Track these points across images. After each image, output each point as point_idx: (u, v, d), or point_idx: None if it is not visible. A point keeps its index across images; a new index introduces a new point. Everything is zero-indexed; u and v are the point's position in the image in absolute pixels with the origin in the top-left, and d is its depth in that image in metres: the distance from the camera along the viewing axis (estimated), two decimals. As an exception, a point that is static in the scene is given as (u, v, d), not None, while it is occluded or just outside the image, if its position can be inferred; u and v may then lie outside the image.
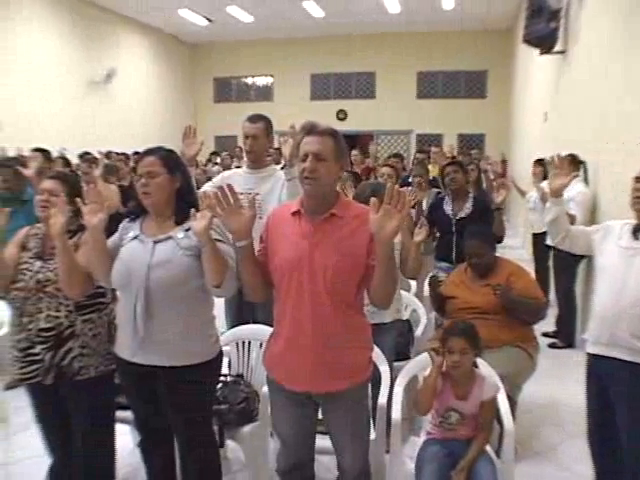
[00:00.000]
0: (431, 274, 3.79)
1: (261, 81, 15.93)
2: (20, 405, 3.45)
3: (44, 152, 5.23)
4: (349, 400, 1.99)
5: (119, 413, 2.52)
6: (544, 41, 6.00)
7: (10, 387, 3.72)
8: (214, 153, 11.57)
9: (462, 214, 3.99)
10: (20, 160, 5.68)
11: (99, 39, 12.20)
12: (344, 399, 1.98)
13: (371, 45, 14.47)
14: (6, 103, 9.76)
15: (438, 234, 4.18)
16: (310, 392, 1.98)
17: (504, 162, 12.35)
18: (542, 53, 6.31)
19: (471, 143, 13.96)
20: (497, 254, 3.33)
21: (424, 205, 4.52)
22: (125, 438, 2.97)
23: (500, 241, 3.99)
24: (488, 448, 2.37)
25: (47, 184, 2.31)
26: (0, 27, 9.72)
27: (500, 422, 2.42)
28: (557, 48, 6.03)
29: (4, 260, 2.26)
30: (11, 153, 7.75)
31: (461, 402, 2.33)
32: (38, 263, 2.26)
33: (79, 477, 2.39)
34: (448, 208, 4.07)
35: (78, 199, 2.15)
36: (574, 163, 4.72)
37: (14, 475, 2.95)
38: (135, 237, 2.15)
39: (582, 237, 2.50)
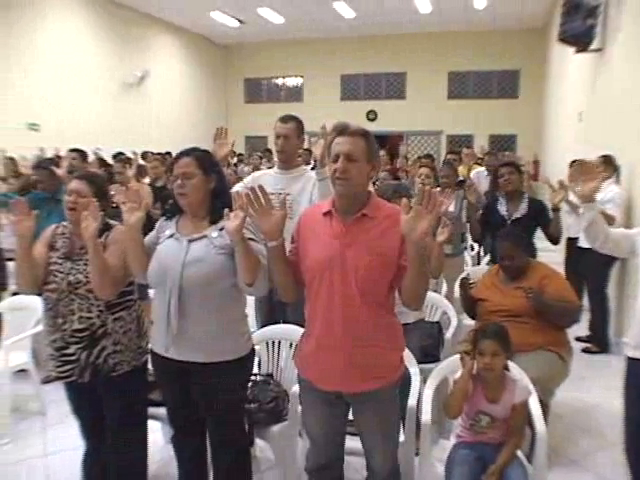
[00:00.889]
0: (462, 276, 3.75)
1: (291, 82, 15.99)
2: (55, 399, 3.57)
3: (80, 152, 5.34)
4: (380, 400, 1.99)
5: (151, 410, 2.57)
6: (580, 39, 5.87)
7: (46, 381, 3.82)
8: (239, 155, 11.71)
9: (517, 215, 3.94)
10: (55, 161, 5.83)
11: (133, 41, 12.43)
12: (375, 399, 1.98)
13: (402, 45, 14.39)
14: (43, 105, 10.03)
15: (490, 237, 4.11)
16: (341, 392, 1.98)
17: (536, 163, 12.16)
18: (578, 51, 6.18)
19: (503, 144, 13.77)
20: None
21: (452, 206, 4.46)
22: (156, 434, 3.02)
23: (557, 242, 3.92)
24: (519, 453, 2.33)
25: (74, 185, 2.33)
26: (38, 30, 9.99)
27: (532, 427, 2.38)
28: (594, 46, 5.89)
29: (35, 259, 2.29)
30: (49, 154, 7.93)
31: (492, 405, 2.30)
32: (68, 264, 2.30)
33: (111, 470, 2.44)
34: (503, 209, 4.02)
35: (103, 200, 2.19)
36: (609, 164, 4.62)
37: (52, 466, 3.03)
38: (171, 236, 2.18)
39: (624, 239, 2.43)
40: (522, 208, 3.97)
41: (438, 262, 2.90)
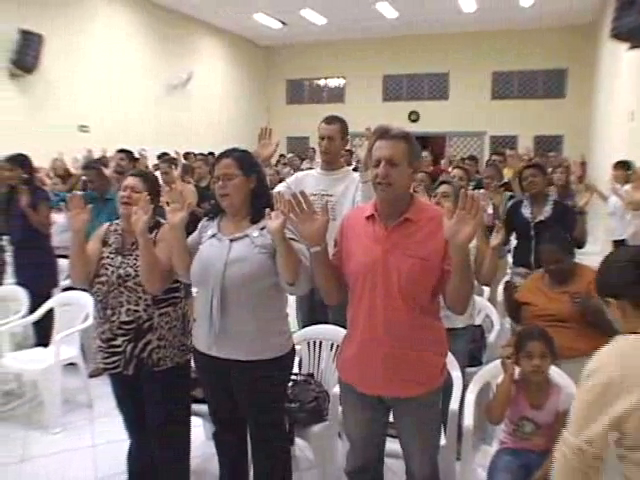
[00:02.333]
0: (506, 279, 3.68)
1: (333, 83, 16.01)
2: (102, 392, 3.67)
3: (128, 153, 5.48)
4: (421, 406, 1.97)
5: (193, 406, 2.61)
6: (635, 35, 5.65)
7: (93, 375, 3.94)
8: (281, 155, 11.81)
9: (541, 217, 3.86)
10: (103, 161, 6.00)
11: (178, 43, 12.70)
12: (416, 405, 1.96)
13: (444, 45, 14.23)
14: (91, 106, 10.34)
15: (515, 239, 4.05)
16: (381, 396, 1.97)
17: (583, 164, 11.83)
18: (632, 48, 5.96)
19: (548, 145, 13.45)
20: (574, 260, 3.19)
21: (490, 209, 4.39)
22: (198, 430, 3.07)
23: (581, 246, 3.82)
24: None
25: (129, 181, 2.42)
26: (87, 33, 10.32)
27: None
28: (650, 42, 5.68)
29: (88, 254, 2.39)
30: (96, 155, 8.18)
31: (535, 411, 2.26)
32: (119, 258, 2.38)
33: (154, 464, 2.50)
34: (526, 211, 3.94)
35: (155, 198, 2.25)
36: None
37: (99, 456, 3.12)
38: (213, 235, 2.21)
39: None
40: (546, 211, 3.87)
41: (491, 266, 2.84)
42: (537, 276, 3.27)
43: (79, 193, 2.45)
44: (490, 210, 4.22)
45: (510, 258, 5.20)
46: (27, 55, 8.86)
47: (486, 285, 3.38)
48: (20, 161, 4.13)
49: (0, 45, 8.61)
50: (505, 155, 7.45)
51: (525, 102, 13.96)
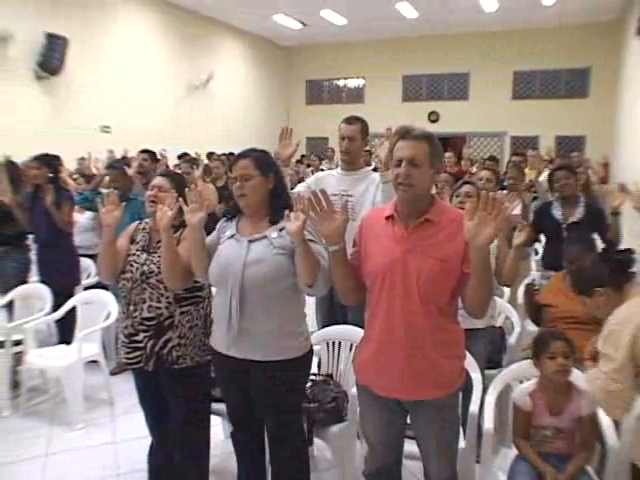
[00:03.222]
0: (527, 281, 3.64)
1: (353, 83, 15.99)
2: (122, 390, 3.73)
3: (150, 153, 5.54)
4: (439, 409, 1.95)
5: (212, 405, 2.63)
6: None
7: (114, 373, 3.99)
8: (301, 156, 11.84)
9: (573, 219, 3.80)
10: (126, 161, 6.06)
11: (199, 44, 12.78)
12: (434, 408, 1.94)
13: (465, 45, 14.11)
14: (113, 107, 10.47)
15: (545, 241, 3.99)
16: (399, 398, 1.96)
17: (606, 165, 11.65)
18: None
19: (570, 145, 13.25)
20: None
21: (518, 210, 4.34)
22: (216, 429, 3.10)
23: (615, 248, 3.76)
24: (589, 468, 2.24)
25: (157, 180, 2.47)
26: (109, 34, 10.44)
27: (602, 441, 2.28)
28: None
29: (116, 251, 2.44)
30: (118, 155, 8.27)
31: (556, 418, 2.22)
32: (144, 256, 2.42)
33: (174, 462, 2.52)
34: (557, 213, 3.89)
35: (180, 198, 2.28)
36: None
37: (120, 452, 3.17)
38: (231, 236, 2.22)
39: None
40: (578, 212, 3.82)
41: (512, 266, 2.81)
42: (559, 277, 3.24)
43: (115, 191, 2.50)
44: (517, 211, 4.17)
45: (532, 261, 5.17)
46: (52, 58, 9.04)
47: (507, 286, 3.34)
48: (46, 160, 4.22)
49: (27, 48, 8.80)
50: (526, 156, 7.38)
51: (547, 102, 13.78)
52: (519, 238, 2.82)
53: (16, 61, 8.70)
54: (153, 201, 2.39)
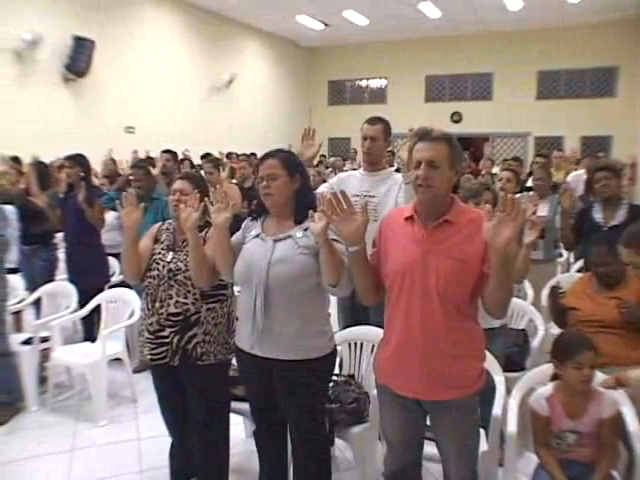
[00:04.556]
0: (551, 284, 3.59)
1: (375, 83, 15.96)
2: (145, 388, 3.78)
3: (172, 154, 5.60)
4: (458, 411, 1.94)
5: (233, 404, 2.65)
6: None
7: (137, 371, 4.04)
8: (322, 156, 11.86)
9: (614, 222, 3.70)
10: (151, 161, 6.14)
11: (222, 46, 12.90)
12: (452, 409, 1.93)
13: (489, 45, 13.99)
14: (137, 108, 10.61)
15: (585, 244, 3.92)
16: (418, 398, 1.96)
17: (633, 166, 11.44)
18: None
19: (596, 146, 13.04)
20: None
21: (545, 211, 4.28)
22: (238, 428, 3.12)
23: None
24: (615, 474, 2.20)
25: (178, 184, 2.50)
26: (135, 36, 10.59)
27: (629, 446, 2.24)
28: None
29: (140, 251, 2.49)
30: (141, 155, 8.38)
31: (575, 421, 2.19)
32: (170, 254, 2.46)
33: (195, 461, 2.55)
34: (598, 216, 3.80)
35: (205, 198, 2.30)
36: None
37: (143, 450, 3.21)
38: (257, 235, 2.24)
39: None
40: (620, 215, 3.72)
41: (523, 266, 2.78)
42: (584, 279, 3.19)
43: (132, 192, 2.53)
44: (543, 212, 4.11)
45: (559, 265, 5.09)
46: (80, 60, 9.25)
47: (517, 283, 3.29)
48: (78, 160, 4.31)
49: (56, 51, 9.00)
50: (549, 156, 7.28)
51: (572, 102, 13.58)
52: (529, 237, 2.80)
53: (45, 64, 8.91)
54: (177, 205, 2.42)
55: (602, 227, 3.73)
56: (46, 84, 8.99)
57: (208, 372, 2.43)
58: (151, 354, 2.47)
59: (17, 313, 4.21)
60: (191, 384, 2.48)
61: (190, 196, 2.34)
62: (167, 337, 2.41)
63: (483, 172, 8.03)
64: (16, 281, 4.15)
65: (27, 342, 3.79)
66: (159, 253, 2.50)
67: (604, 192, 3.77)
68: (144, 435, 3.37)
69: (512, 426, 2.31)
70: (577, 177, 6.61)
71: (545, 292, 3.86)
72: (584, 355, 2.16)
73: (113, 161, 7.77)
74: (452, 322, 1.87)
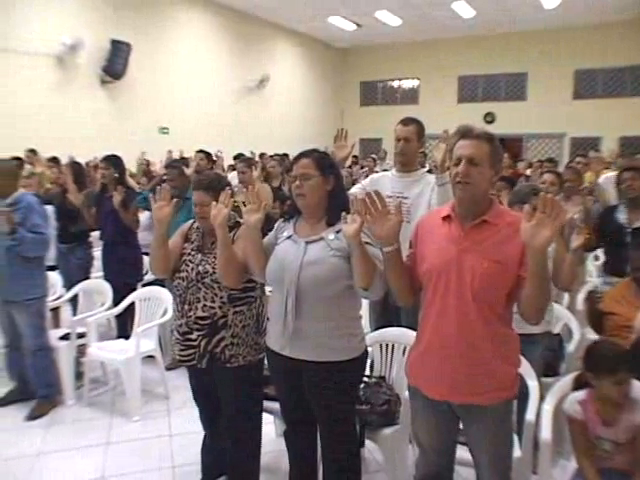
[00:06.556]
0: (589, 288, 3.51)
1: (407, 84, 15.88)
2: (177, 385, 3.83)
3: (206, 154, 5.67)
4: (490, 417, 1.91)
5: (265, 403, 2.66)
6: None
7: (170, 368, 4.10)
8: (354, 157, 11.82)
9: (639, 224, 3.65)
10: (185, 161, 6.23)
11: (254, 46, 13.01)
12: (485, 415, 1.90)
13: (523, 44, 13.77)
14: (171, 109, 10.77)
15: (608, 245, 3.83)
16: (449, 402, 1.94)
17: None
18: None
19: (635, 147, 12.69)
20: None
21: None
22: (269, 427, 3.14)
23: None
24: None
25: (196, 197, 2.48)
26: (167, 39, 10.77)
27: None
28: None
29: (169, 246, 2.49)
30: (175, 155, 8.51)
31: (610, 429, 2.14)
32: (199, 256, 2.47)
33: (227, 458, 2.58)
34: (622, 217, 3.70)
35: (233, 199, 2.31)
36: None
37: (175, 446, 3.25)
38: (289, 237, 2.23)
39: None
40: None
41: (570, 270, 2.71)
42: (624, 284, 3.12)
43: (167, 187, 2.55)
44: (569, 214, 4.02)
45: (591, 265, 4.98)
46: (116, 63, 9.48)
47: (565, 290, 3.22)
48: (113, 161, 4.39)
49: (94, 55, 9.22)
50: (590, 158, 7.10)
51: (610, 101, 13.26)
52: (577, 241, 2.73)
53: (84, 67, 9.15)
54: (203, 217, 2.43)
55: (626, 228, 3.64)
56: (84, 87, 9.23)
57: (238, 374, 2.44)
58: (180, 355, 2.50)
59: (55, 309, 4.33)
60: (222, 385, 2.50)
61: (210, 206, 2.31)
62: (195, 340, 2.43)
63: (521, 175, 7.89)
64: (54, 278, 4.26)
65: (64, 337, 3.89)
66: (189, 254, 2.50)
67: (629, 192, 3.68)
68: (176, 431, 3.41)
69: (546, 433, 2.27)
70: (607, 179, 6.43)
71: (580, 296, 3.78)
72: (624, 373, 2.11)
73: (147, 162, 7.91)
74: (486, 325, 1.84)
